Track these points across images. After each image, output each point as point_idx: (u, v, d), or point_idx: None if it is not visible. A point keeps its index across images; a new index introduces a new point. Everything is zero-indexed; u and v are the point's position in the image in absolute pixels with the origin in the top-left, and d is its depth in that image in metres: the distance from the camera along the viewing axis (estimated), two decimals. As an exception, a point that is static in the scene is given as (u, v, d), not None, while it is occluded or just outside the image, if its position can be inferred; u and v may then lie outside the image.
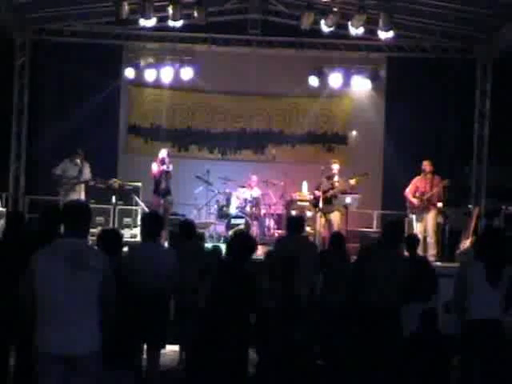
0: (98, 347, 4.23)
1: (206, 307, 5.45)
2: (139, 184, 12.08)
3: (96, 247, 5.04)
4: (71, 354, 4.13)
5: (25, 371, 5.53)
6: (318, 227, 10.98)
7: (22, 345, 5.56)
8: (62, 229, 4.62)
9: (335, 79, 13.40)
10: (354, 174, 11.17)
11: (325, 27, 11.59)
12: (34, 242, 5.41)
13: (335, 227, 10.79)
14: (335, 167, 11.24)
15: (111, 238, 5.46)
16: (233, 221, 11.92)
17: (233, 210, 12.25)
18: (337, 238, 7.74)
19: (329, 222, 10.95)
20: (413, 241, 7.58)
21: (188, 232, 7.41)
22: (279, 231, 12.23)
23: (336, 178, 11.16)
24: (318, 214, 11.05)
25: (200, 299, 5.62)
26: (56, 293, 4.14)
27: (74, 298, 4.14)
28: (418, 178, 11.15)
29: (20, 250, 5.43)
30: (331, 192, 10.96)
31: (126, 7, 11.08)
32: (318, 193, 11.08)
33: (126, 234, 11.01)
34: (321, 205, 10.91)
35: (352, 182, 10.89)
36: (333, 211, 10.97)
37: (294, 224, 7.67)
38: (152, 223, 6.19)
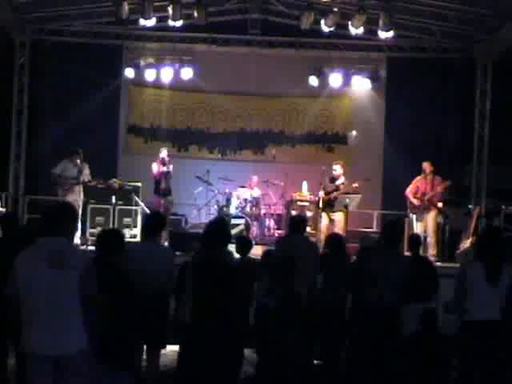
0: (83, 345, 4.20)
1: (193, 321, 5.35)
2: (139, 184, 12.06)
3: (76, 245, 5.00)
4: (57, 354, 4.12)
5: (25, 371, 5.53)
6: (321, 227, 10.94)
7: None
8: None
9: (335, 79, 13.41)
10: (357, 178, 11.08)
11: (325, 27, 11.59)
12: (26, 242, 5.45)
13: (338, 227, 10.73)
14: (337, 168, 11.16)
15: (112, 238, 5.44)
16: (233, 221, 11.89)
17: (233, 210, 12.23)
18: (334, 239, 7.72)
19: (332, 223, 10.92)
20: (415, 241, 7.57)
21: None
22: (279, 231, 12.22)
23: (342, 180, 11.10)
24: (322, 215, 11.01)
25: (185, 313, 5.47)
26: (37, 292, 4.14)
27: (56, 298, 4.12)
28: (418, 178, 11.15)
29: (12, 250, 5.46)
30: (335, 194, 10.91)
31: (125, 7, 11.09)
32: (321, 194, 11.04)
33: (126, 234, 10.98)
34: (321, 205, 10.90)
35: (355, 185, 10.85)
36: (336, 212, 10.94)
37: (296, 224, 7.66)
38: (155, 223, 6.19)
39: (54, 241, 4.26)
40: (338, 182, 11.08)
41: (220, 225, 5.84)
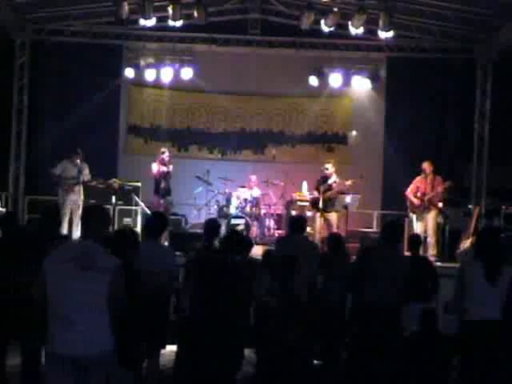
0: (108, 347, 4.22)
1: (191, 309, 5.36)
2: (139, 184, 12.08)
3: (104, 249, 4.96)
4: (79, 354, 4.12)
5: (31, 371, 5.56)
6: (316, 228, 10.98)
7: (27, 344, 5.59)
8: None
9: (335, 79, 13.41)
10: (351, 177, 11.12)
11: (325, 27, 11.59)
12: (26, 242, 5.47)
13: (334, 227, 10.79)
14: (328, 167, 11.22)
15: (129, 238, 5.42)
16: (233, 221, 11.90)
17: (233, 210, 12.23)
18: (334, 239, 7.73)
19: (328, 223, 10.96)
20: (415, 241, 7.58)
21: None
22: (279, 231, 12.22)
23: (333, 179, 11.14)
24: (317, 215, 11.06)
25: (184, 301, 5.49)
26: (64, 293, 4.15)
27: (82, 299, 4.14)
28: (419, 178, 11.14)
29: (12, 250, 5.48)
30: (329, 193, 10.96)
31: (125, 7, 11.09)
32: (316, 193, 11.10)
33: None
34: (321, 205, 10.93)
35: (348, 183, 10.91)
36: (331, 212, 10.98)
37: (296, 224, 7.67)
38: (158, 223, 6.19)
39: (84, 243, 4.29)
40: (330, 181, 11.11)
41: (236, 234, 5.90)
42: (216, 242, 6.50)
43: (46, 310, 4.20)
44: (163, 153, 11.51)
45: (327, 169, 11.21)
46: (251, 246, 7.33)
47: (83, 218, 4.46)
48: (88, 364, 4.13)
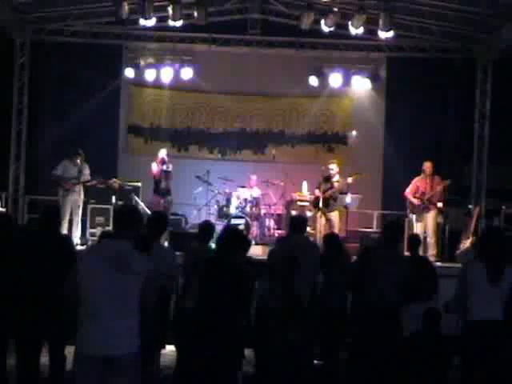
0: (136, 350, 4.22)
1: (196, 307, 5.39)
2: (139, 184, 12.07)
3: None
4: (109, 354, 4.12)
5: (58, 370, 5.58)
6: (318, 227, 10.98)
7: (56, 344, 5.62)
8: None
9: (335, 79, 13.41)
10: (350, 173, 11.16)
11: (325, 27, 11.58)
12: (26, 242, 5.45)
13: (335, 227, 10.80)
14: (333, 167, 11.24)
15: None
16: (233, 221, 11.90)
17: (233, 210, 12.24)
18: (330, 239, 7.71)
19: (329, 222, 10.96)
20: (414, 241, 7.57)
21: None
22: (279, 231, 12.21)
23: (336, 178, 11.18)
24: (318, 214, 11.07)
25: (188, 299, 5.55)
26: (94, 293, 4.15)
27: (113, 299, 4.13)
28: (418, 178, 11.15)
29: (5, 252, 5.47)
30: (330, 192, 10.98)
31: (125, 7, 11.09)
32: (317, 193, 11.11)
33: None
34: (321, 205, 10.94)
35: (349, 180, 10.93)
36: (332, 211, 10.99)
37: (296, 224, 7.66)
38: (158, 224, 6.19)
39: (118, 243, 4.26)
40: (332, 181, 11.12)
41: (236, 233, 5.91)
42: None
43: (76, 308, 4.22)
44: (161, 152, 11.52)
45: (332, 169, 11.23)
46: (249, 245, 7.33)
47: (116, 218, 4.43)
48: (117, 364, 4.13)
